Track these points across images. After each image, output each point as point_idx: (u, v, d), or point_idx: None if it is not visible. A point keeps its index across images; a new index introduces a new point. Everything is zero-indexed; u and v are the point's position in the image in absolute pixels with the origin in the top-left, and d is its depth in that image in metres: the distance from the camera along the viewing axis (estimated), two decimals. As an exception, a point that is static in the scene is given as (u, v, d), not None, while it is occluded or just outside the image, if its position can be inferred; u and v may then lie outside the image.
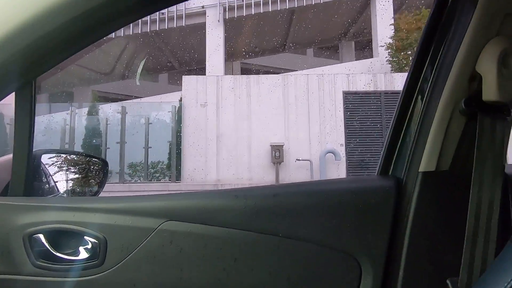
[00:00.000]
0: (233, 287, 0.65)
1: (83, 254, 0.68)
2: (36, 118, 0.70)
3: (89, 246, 0.68)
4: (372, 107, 7.45)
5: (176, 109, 7.66)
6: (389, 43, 8.84)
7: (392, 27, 9.13)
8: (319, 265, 0.65)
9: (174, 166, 7.58)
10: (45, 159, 0.93)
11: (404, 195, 0.66)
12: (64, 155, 1.02)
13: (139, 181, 7.88)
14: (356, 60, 11.55)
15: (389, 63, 8.92)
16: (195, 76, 7.82)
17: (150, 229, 0.67)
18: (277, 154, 7.18)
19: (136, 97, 11.83)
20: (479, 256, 0.55)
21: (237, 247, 0.66)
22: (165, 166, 8.05)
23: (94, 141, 7.99)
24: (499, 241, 0.53)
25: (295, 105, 7.52)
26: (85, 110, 8.53)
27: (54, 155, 0.97)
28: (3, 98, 0.55)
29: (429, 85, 0.67)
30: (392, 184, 0.68)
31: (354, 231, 0.65)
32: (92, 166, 1.07)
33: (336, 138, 7.40)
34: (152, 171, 8.09)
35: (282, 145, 7.22)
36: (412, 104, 0.72)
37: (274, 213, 0.67)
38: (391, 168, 0.74)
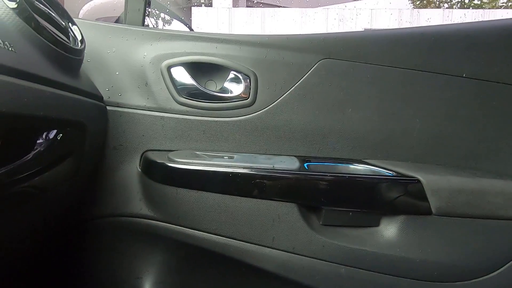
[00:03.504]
0: (406, 131, 0.56)
1: (231, 91, 0.56)
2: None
3: (238, 82, 0.56)
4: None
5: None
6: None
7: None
8: (501, 102, 0.55)
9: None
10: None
11: None
12: (158, 12, 0.82)
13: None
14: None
15: (412, 2, 8.21)
16: (205, 8, 7.18)
17: (306, 67, 0.56)
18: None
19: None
20: None
21: (410, 89, 0.56)
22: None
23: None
24: None
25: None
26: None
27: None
28: None
29: None
30: None
31: None
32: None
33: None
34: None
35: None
36: None
37: (457, 50, 0.56)
38: None
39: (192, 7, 7.06)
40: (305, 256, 0.51)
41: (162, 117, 0.55)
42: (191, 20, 7.00)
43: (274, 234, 0.51)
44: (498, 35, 0.56)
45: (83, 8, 0.78)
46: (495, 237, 0.50)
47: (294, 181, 0.50)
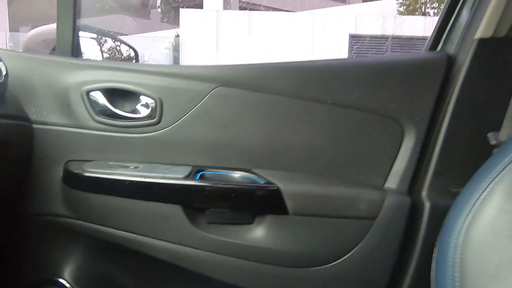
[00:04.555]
0: (283, 146, 0.69)
1: (140, 113, 0.68)
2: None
3: (146, 105, 0.68)
4: (378, 52, 7.19)
5: (173, 45, 7.28)
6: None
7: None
8: (364, 128, 0.69)
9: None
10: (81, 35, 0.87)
11: (454, 65, 0.68)
12: (99, 36, 0.94)
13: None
14: (363, 2, 10.83)
15: (400, 6, 8.43)
16: (193, 10, 7.28)
17: (203, 93, 0.68)
18: (277, 97, 7.09)
19: (127, 35, 11.12)
20: None
21: (287, 113, 0.68)
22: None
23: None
24: None
25: (298, 45, 7.20)
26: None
27: (90, 34, 0.90)
28: None
29: None
30: (442, 56, 0.69)
31: (400, 98, 0.68)
32: (123, 53, 1.01)
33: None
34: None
35: (283, 89, 7.09)
36: None
37: (324, 82, 0.69)
38: (441, 42, 0.75)
39: (180, 9, 7.16)
40: (191, 247, 0.64)
41: (82, 133, 0.68)
42: (179, 21, 7.10)
43: (165, 230, 0.64)
44: (355, 70, 0.70)
45: (31, 32, 0.90)
46: (339, 232, 0.64)
47: (178, 187, 0.62)
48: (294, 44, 7.20)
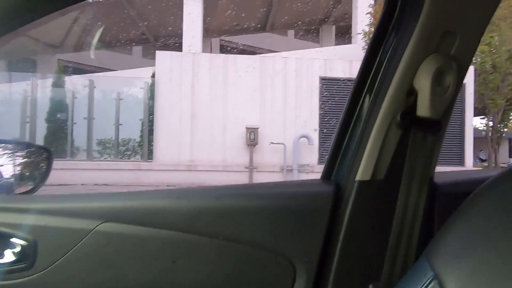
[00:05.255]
0: (172, 285, 0.65)
1: (7, 257, 0.65)
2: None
3: (16, 248, 0.65)
4: (347, 93, 7.54)
5: (149, 85, 7.36)
6: (366, 31, 8.87)
7: (370, 15, 9.12)
8: (255, 267, 0.66)
9: (146, 145, 7.39)
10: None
11: (342, 201, 0.67)
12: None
13: (109, 158, 7.63)
14: (336, 45, 11.53)
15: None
16: (169, 52, 7.47)
17: (85, 231, 0.65)
18: (252, 136, 7.18)
19: (108, 70, 11.21)
20: (400, 262, 0.58)
21: (176, 249, 0.66)
22: (136, 144, 7.85)
23: (59, 115, 7.59)
24: (421, 248, 0.54)
25: (271, 87, 7.46)
26: (49, 81, 8.00)
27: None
28: None
29: (371, 95, 0.68)
30: (331, 189, 0.68)
31: (291, 234, 0.66)
32: (33, 156, 1.00)
33: (311, 123, 7.49)
34: (122, 149, 7.86)
35: (257, 128, 7.21)
36: (356, 113, 0.73)
37: (215, 215, 0.66)
38: (334, 173, 0.74)
39: (156, 51, 7.34)
40: None
41: None
42: (155, 62, 7.25)
43: None
44: (246, 203, 0.68)
45: None
46: None
47: None
48: (266, 85, 7.45)
